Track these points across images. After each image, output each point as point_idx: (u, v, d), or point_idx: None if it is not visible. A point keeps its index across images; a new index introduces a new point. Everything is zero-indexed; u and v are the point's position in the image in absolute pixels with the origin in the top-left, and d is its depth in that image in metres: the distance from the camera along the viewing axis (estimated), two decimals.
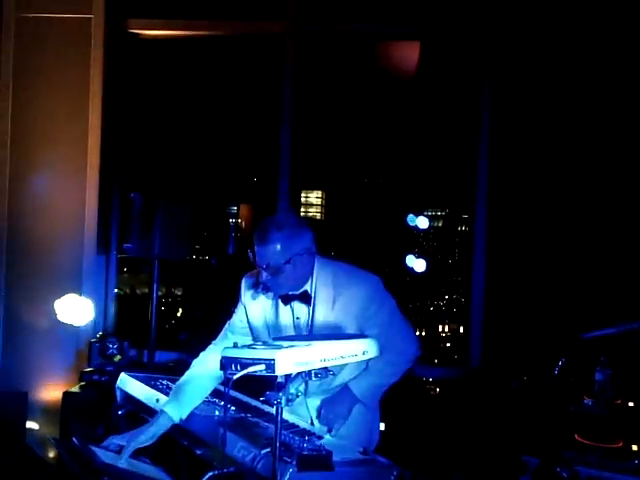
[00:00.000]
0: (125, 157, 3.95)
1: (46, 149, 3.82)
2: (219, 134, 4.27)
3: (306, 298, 2.13)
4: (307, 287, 2.13)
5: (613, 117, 3.34)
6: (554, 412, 2.28)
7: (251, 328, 2.24)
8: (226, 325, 2.31)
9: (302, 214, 4.47)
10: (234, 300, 2.32)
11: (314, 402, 2.25)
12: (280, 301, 2.16)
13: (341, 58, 4.05)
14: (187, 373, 2.22)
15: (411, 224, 4.16)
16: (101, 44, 3.78)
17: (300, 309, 2.16)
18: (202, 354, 2.27)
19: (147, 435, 2.04)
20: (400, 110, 4.07)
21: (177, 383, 2.19)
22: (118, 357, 3.39)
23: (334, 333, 2.05)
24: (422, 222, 4.19)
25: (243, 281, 2.27)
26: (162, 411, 2.10)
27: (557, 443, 2.04)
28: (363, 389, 2.20)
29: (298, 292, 2.13)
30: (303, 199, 4.54)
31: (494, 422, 2.83)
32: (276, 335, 2.14)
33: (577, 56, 3.41)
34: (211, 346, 2.29)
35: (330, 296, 2.12)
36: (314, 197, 4.61)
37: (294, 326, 2.17)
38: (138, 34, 3.98)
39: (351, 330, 2.12)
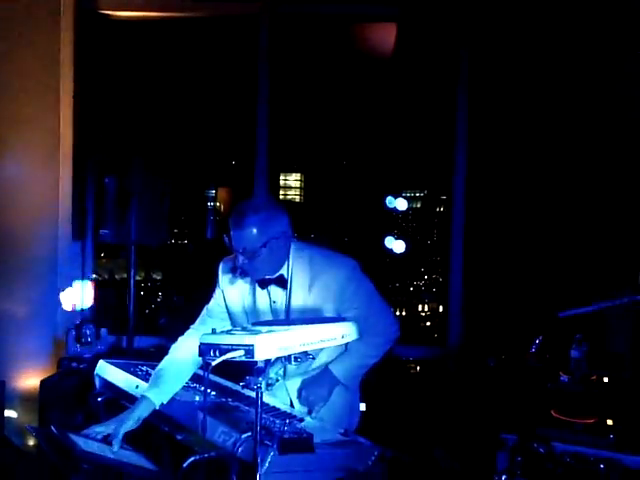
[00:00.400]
0: (99, 141, 3.88)
1: (17, 135, 3.74)
2: (196, 117, 4.21)
3: (282, 282, 2.13)
4: (283, 271, 2.14)
5: (591, 96, 3.36)
6: (531, 389, 2.32)
7: (229, 313, 2.24)
8: (204, 310, 2.31)
9: (281, 197, 4.45)
10: (213, 284, 2.32)
11: (293, 384, 2.25)
12: (257, 285, 2.16)
13: (317, 39, 4.01)
14: (166, 358, 2.22)
15: (390, 206, 4.17)
16: (71, 25, 3.70)
17: (277, 293, 2.16)
18: (180, 339, 2.27)
19: (133, 419, 2.05)
20: (377, 91, 4.05)
21: (157, 368, 2.19)
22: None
23: (313, 317, 2.05)
24: (401, 203, 4.20)
25: (220, 266, 2.26)
26: (143, 396, 2.10)
27: (534, 420, 2.07)
28: (343, 371, 2.21)
29: (274, 276, 2.13)
30: (282, 182, 4.52)
31: (473, 400, 2.87)
32: (254, 320, 2.14)
33: (556, 37, 3.41)
34: (190, 331, 2.28)
35: (307, 280, 2.13)
36: (293, 180, 4.60)
37: (271, 310, 2.18)
38: (109, 15, 3.89)
39: (329, 314, 2.13)
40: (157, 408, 2.09)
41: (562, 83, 3.42)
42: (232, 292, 2.21)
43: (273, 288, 2.15)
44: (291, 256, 2.13)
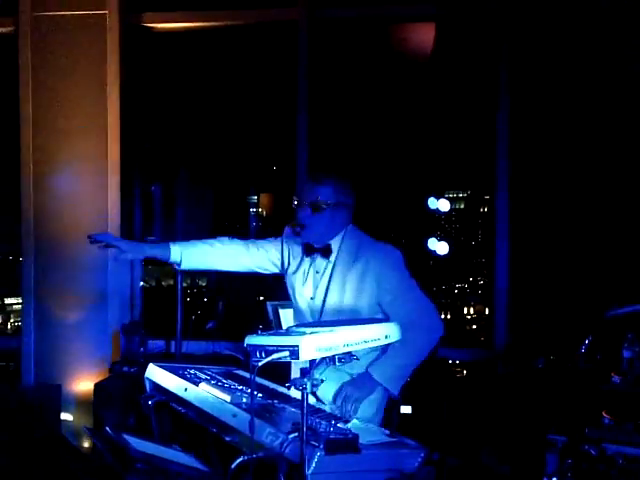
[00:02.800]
0: (145, 150, 3.98)
1: (67, 146, 3.87)
2: (237, 124, 4.27)
3: (327, 252, 2.23)
4: (334, 243, 2.24)
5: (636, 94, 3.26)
6: (581, 390, 2.26)
7: (284, 267, 2.36)
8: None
9: None
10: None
11: (327, 387, 2.25)
12: (303, 254, 2.27)
13: (356, 42, 4.02)
14: (208, 240, 2.34)
15: (432, 207, 4.13)
16: (117, 39, 3.81)
17: (320, 264, 2.26)
18: (228, 239, 2.36)
19: (145, 253, 2.25)
20: (417, 92, 4.03)
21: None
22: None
23: (356, 318, 2.06)
24: (443, 205, 4.16)
25: (286, 228, 2.38)
26: (167, 244, 2.24)
27: (585, 421, 2.03)
28: (384, 373, 2.20)
29: (322, 245, 2.24)
30: None
31: (521, 402, 2.82)
32: (297, 284, 2.29)
33: (597, 34, 3.33)
34: (237, 241, 2.36)
35: (351, 257, 2.22)
36: None
37: (313, 280, 2.27)
38: (152, 27, 3.99)
39: (366, 295, 2.20)
40: (169, 261, 2.23)
41: (608, 79, 3.34)
42: (288, 246, 2.34)
43: (318, 259, 2.26)
44: (343, 233, 2.25)
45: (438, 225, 4.40)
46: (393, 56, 3.97)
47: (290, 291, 2.39)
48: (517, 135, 3.58)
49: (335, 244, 2.26)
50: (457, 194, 4.44)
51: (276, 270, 2.43)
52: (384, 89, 4.05)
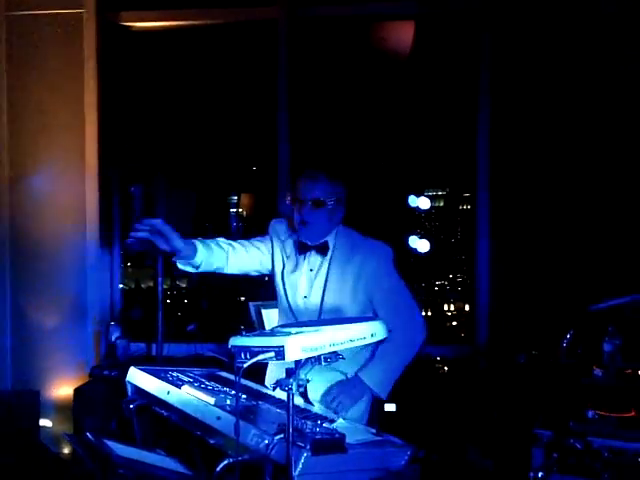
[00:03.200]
0: (123, 150, 3.94)
1: (44, 147, 3.83)
2: (217, 124, 4.24)
3: (324, 249, 2.24)
4: (329, 240, 2.25)
5: (620, 86, 3.30)
6: (564, 384, 2.28)
7: (273, 266, 2.33)
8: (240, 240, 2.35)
9: None
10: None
11: (318, 387, 2.24)
12: (297, 252, 2.26)
13: (335, 41, 4.01)
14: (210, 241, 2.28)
15: (412, 205, 4.15)
16: (93, 38, 3.77)
17: (315, 262, 2.26)
18: (221, 239, 2.31)
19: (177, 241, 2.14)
20: (398, 91, 4.04)
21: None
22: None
23: (341, 317, 2.05)
24: (423, 202, 4.18)
25: (272, 223, 2.38)
26: (195, 244, 2.18)
27: (569, 415, 2.05)
28: (374, 377, 2.20)
29: (319, 242, 2.24)
30: None
31: (504, 397, 2.84)
32: (290, 285, 2.27)
33: (579, 32, 3.37)
34: (223, 240, 2.31)
35: (346, 254, 2.23)
36: None
37: (307, 278, 2.26)
38: (130, 26, 3.95)
39: (362, 294, 2.21)
40: (191, 261, 2.16)
41: (589, 75, 3.37)
42: (277, 250, 2.32)
43: (312, 256, 2.25)
44: (336, 230, 2.27)
45: (418, 223, 4.42)
46: (374, 54, 3.98)
47: (280, 291, 2.34)
48: (497, 133, 3.61)
49: (331, 241, 2.26)
50: (436, 192, 4.47)
51: (265, 271, 2.38)
52: (365, 88, 4.05)
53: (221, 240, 2.30)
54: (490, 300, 3.57)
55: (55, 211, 3.81)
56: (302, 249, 2.26)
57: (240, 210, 4.46)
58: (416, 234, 4.12)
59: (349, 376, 2.25)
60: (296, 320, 2.29)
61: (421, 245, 4.02)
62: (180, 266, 2.24)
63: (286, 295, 2.32)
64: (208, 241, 2.26)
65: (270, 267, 2.36)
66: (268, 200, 4.08)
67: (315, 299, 2.26)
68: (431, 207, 4.24)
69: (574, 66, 3.41)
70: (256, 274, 2.40)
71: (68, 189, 3.80)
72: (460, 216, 4.41)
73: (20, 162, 3.84)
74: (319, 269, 2.25)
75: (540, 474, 1.87)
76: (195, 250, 2.18)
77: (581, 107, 3.41)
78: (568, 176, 3.43)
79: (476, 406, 3.02)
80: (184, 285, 4.58)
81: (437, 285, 4.67)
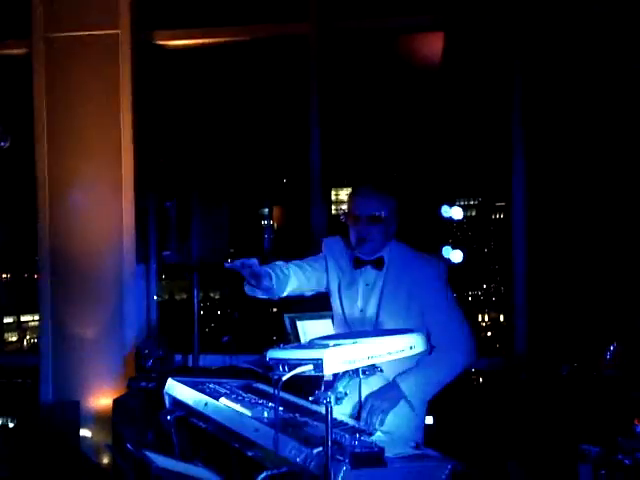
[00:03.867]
0: (159, 166, 4.01)
1: (82, 165, 3.91)
2: (249, 138, 4.29)
3: (380, 264, 2.28)
4: (384, 254, 2.29)
5: None
6: (611, 398, 2.22)
7: (328, 282, 2.39)
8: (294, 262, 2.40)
9: (333, 212, 4.47)
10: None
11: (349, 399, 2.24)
12: (352, 267, 2.31)
13: (366, 54, 4.03)
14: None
15: (445, 215, 4.12)
16: (128, 58, 3.85)
17: (370, 276, 2.29)
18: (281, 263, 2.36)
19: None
20: (430, 101, 4.03)
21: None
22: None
23: (381, 330, 2.05)
24: (456, 212, 4.15)
25: (326, 241, 2.45)
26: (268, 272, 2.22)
27: (617, 430, 1.99)
28: (411, 386, 2.19)
29: (374, 257, 2.28)
30: (333, 197, 4.53)
31: (546, 411, 2.78)
32: (345, 298, 2.31)
33: (610, 37, 3.32)
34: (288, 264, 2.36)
35: (401, 269, 2.26)
36: (344, 194, 4.61)
37: (363, 292, 2.30)
38: (164, 45, 4.03)
39: (414, 308, 2.23)
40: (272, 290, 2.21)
41: (625, 84, 3.31)
42: (332, 261, 2.38)
43: (368, 270, 2.29)
44: (391, 245, 2.31)
45: (451, 233, 4.38)
46: (404, 66, 3.98)
47: (337, 305, 2.39)
48: (532, 143, 3.57)
49: (385, 255, 2.30)
50: (468, 202, 4.43)
51: (321, 289, 2.44)
52: (396, 99, 4.05)
53: (281, 264, 2.36)
54: (528, 310, 3.50)
55: (93, 227, 3.89)
56: (357, 264, 2.31)
57: (271, 222, 4.49)
58: (449, 244, 4.09)
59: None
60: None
61: (454, 256, 3.98)
62: (248, 292, 2.30)
63: (343, 309, 2.36)
64: (275, 268, 2.31)
65: (325, 284, 2.41)
66: (299, 212, 4.10)
67: (371, 313, 2.30)
68: (463, 217, 4.21)
69: (609, 71, 3.35)
70: (312, 293, 2.46)
71: (105, 205, 3.88)
72: (493, 225, 4.36)
73: (59, 180, 3.93)
74: (375, 283, 2.30)
75: None
76: (271, 280, 2.25)
77: (621, 114, 3.34)
78: (608, 184, 3.36)
79: (516, 420, 2.97)
80: (217, 297, 4.63)
81: (470, 295, 4.62)
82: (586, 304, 3.27)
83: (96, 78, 3.88)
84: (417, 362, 2.20)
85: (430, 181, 4.21)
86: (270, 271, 2.24)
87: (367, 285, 2.30)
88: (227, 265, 2.20)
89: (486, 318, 4.58)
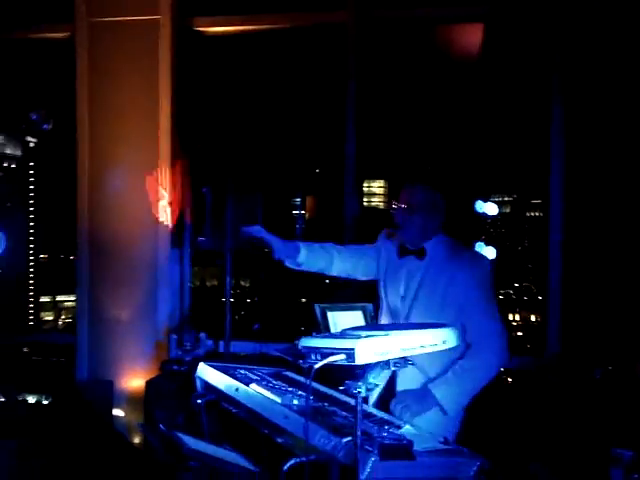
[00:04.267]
0: (195, 152, 4.04)
1: (121, 148, 3.96)
2: (284, 126, 4.30)
3: (421, 254, 2.35)
4: (426, 246, 2.37)
5: None
6: None
7: (378, 270, 2.50)
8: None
9: (365, 204, 4.45)
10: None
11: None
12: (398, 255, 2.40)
13: (403, 44, 3.99)
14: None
15: (479, 211, 4.07)
16: (169, 43, 3.88)
17: (412, 265, 2.37)
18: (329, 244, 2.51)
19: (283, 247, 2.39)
20: (467, 94, 3.97)
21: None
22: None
23: (414, 323, 2.04)
24: (491, 208, 4.10)
25: (383, 232, 2.58)
26: (298, 246, 2.42)
27: None
28: (446, 395, 2.20)
29: (417, 247, 2.36)
30: (365, 189, 4.52)
31: (577, 413, 2.74)
32: (389, 284, 2.41)
33: None
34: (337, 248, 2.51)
35: (443, 262, 2.32)
36: (377, 186, 4.59)
37: (404, 279, 2.38)
38: (204, 32, 4.05)
39: (452, 303, 2.26)
40: (296, 261, 2.40)
41: None
42: (383, 255, 2.49)
43: (411, 261, 2.37)
44: (436, 238, 2.37)
45: (483, 229, 4.34)
46: (442, 57, 3.93)
47: (382, 292, 2.50)
48: (572, 139, 3.49)
49: (428, 247, 2.36)
50: (502, 198, 4.37)
51: (371, 276, 2.55)
52: (432, 91, 4.01)
53: (329, 244, 2.50)
54: (562, 311, 3.44)
55: (131, 211, 3.94)
56: (402, 253, 2.40)
57: (303, 212, 4.49)
58: (482, 241, 4.04)
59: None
60: (393, 321, 2.39)
61: (487, 253, 3.94)
62: (287, 264, 2.45)
63: (386, 295, 2.46)
64: (314, 244, 2.48)
65: (375, 272, 2.52)
66: (331, 203, 4.10)
67: (408, 300, 2.36)
68: (498, 213, 4.16)
69: None
70: (364, 278, 2.57)
71: (143, 189, 3.91)
72: (528, 223, 4.30)
73: (99, 162, 4.00)
74: (415, 273, 2.36)
75: None
76: (298, 251, 2.39)
77: None
78: None
79: (546, 421, 2.93)
80: (246, 284, 4.66)
81: (502, 294, 4.56)
82: (623, 307, 3.20)
83: (137, 63, 3.92)
84: (452, 368, 2.20)
85: (465, 176, 4.16)
86: (300, 245, 2.41)
87: (409, 274, 2.37)
88: (245, 229, 2.42)
89: (517, 317, 4.53)
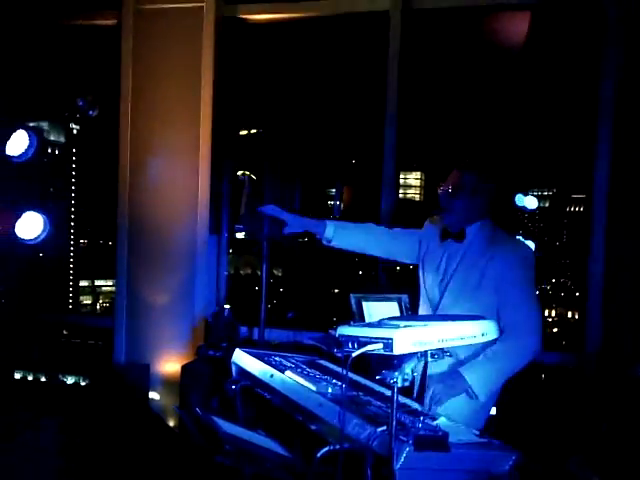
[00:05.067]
0: (235, 139, 4.06)
1: (162, 135, 4.00)
2: (326, 115, 4.29)
3: (460, 236, 2.34)
4: (467, 229, 2.35)
5: None
6: None
7: (419, 249, 2.51)
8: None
9: (401, 195, 4.42)
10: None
11: None
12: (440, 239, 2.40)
13: (447, 33, 3.93)
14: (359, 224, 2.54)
15: (519, 204, 4.00)
16: (212, 31, 3.89)
17: (452, 248, 2.36)
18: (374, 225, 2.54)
19: (301, 224, 2.46)
20: (508, 85, 3.90)
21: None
22: None
23: (453, 315, 2.02)
24: (531, 202, 4.02)
25: (428, 219, 2.58)
26: (324, 221, 2.45)
27: None
28: (479, 379, 2.17)
29: (457, 230, 2.35)
30: (402, 180, 4.48)
31: (616, 410, 2.68)
32: (426, 270, 2.41)
33: None
34: (381, 229, 2.55)
35: (483, 247, 2.30)
36: (413, 178, 4.55)
37: (444, 262, 2.37)
38: (246, 19, 4.06)
39: (486, 289, 2.24)
40: (322, 237, 2.43)
41: None
42: (424, 239, 2.50)
43: (451, 243, 2.36)
44: (480, 223, 2.36)
45: (522, 224, 4.27)
46: (484, 47, 3.85)
47: (421, 275, 2.49)
48: (619, 135, 3.38)
49: (470, 230, 2.34)
50: (542, 192, 4.29)
51: (412, 260, 2.56)
52: (474, 82, 3.94)
53: (367, 224, 2.53)
54: (603, 307, 3.36)
55: (170, 196, 3.99)
56: (444, 236, 2.39)
57: (338, 203, 4.48)
58: (520, 235, 3.97)
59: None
60: (430, 306, 2.38)
61: None
62: (322, 242, 2.48)
63: (424, 281, 2.45)
64: (350, 223, 2.50)
65: (416, 256, 2.52)
66: (367, 193, 4.08)
67: (445, 282, 2.36)
68: (537, 207, 4.09)
69: None
70: (405, 260, 2.58)
71: (182, 176, 3.96)
72: (567, 218, 4.21)
73: (140, 149, 4.05)
74: (454, 255, 2.35)
75: None
76: (324, 227, 2.42)
77: None
78: None
79: (584, 417, 2.87)
80: (279, 274, 4.69)
81: (539, 289, 4.48)
82: None
83: (180, 50, 3.94)
84: (484, 352, 2.16)
85: (506, 168, 4.08)
86: (328, 222, 2.44)
87: (449, 257, 2.36)
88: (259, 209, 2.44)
89: (552, 313, 4.45)
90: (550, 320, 4.51)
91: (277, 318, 4.12)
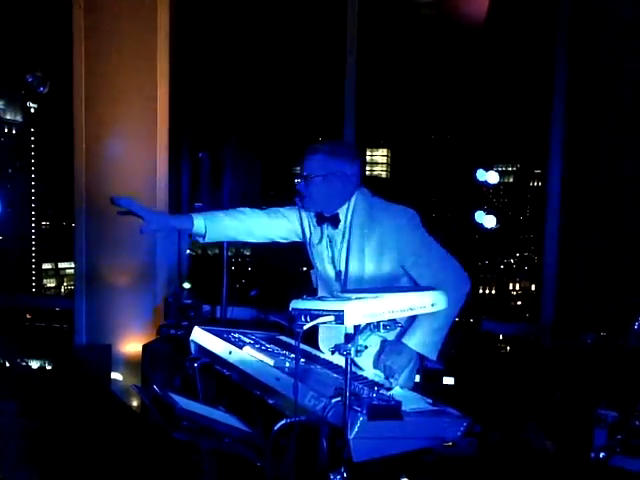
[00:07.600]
0: (193, 117, 4.01)
1: (118, 111, 3.93)
2: (284, 94, 4.26)
3: (335, 221, 2.26)
4: (341, 212, 2.26)
5: None
6: (634, 367, 2.19)
7: (304, 235, 2.38)
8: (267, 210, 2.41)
9: (367, 172, 4.43)
10: (299, 259, 2.42)
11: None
12: (316, 223, 2.31)
13: (406, 10, 3.92)
14: (230, 211, 2.35)
15: (481, 179, 4.04)
16: (167, 2, 3.82)
17: (333, 233, 2.29)
18: (249, 210, 2.37)
19: (166, 224, 2.28)
20: (469, 62, 3.92)
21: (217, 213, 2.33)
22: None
23: (403, 286, 2.04)
24: (492, 177, 4.06)
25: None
26: (189, 215, 2.27)
27: (636, 398, 1.97)
28: (417, 341, 2.18)
29: (329, 215, 2.26)
30: (368, 157, 4.50)
31: (568, 378, 2.77)
32: (316, 253, 2.33)
33: None
34: (255, 211, 2.38)
35: (365, 224, 2.22)
36: (379, 155, 4.57)
37: (330, 249, 2.30)
38: None
39: (388, 262, 2.20)
40: (192, 233, 2.26)
41: None
42: (305, 219, 2.36)
43: (328, 228, 2.28)
44: (353, 201, 2.25)
45: (486, 198, 4.32)
46: (445, 25, 3.86)
47: (312, 260, 2.41)
48: (573, 110, 3.44)
49: (342, 213, 2.26)
50: (506, 167, 4.35)
51: (297, 239, 2.43)
52: (434, 57, 3.95)
53: (240, 210, 2.35)
54: (558, 279, 3.45)
55: (127, 175, 3.93)
56: (320, 220, 2.30)
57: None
58: (483, 209, 4.02)
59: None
60: (329, 288, 2.33)
61: (488, 221, 3.92)
62: (198, 240, 2.32)
63: (315, 264, 2.39)
64: (219, 212, 2.31)
65: (300, 235, 2.40)
66: None
67: (339, 268, 2.29)
68: (500, 183, 4.13)
69: None
70: (283, 241, 2.44)
71: (140, 154, 3.92)
72: (530, 193, 4.28)
73: (95, 127, 3.98)
74: (335, 240, 2.29)
75: (602, 454, 1.82)
76: (190, 222, 2.25)
77: None
78: None
79: (538, 385, 2.96)
80: (248, 253, 4.68)
81: (503, 263, 4.57)
82: (617, 276, 3.20)
83: (134, 24, 3.86)
84: (418, 316, 2.14)
85: (467, 144, 4.12)
86: (194, 214, 2.26)
87: (331, 242, 2.29)
88: (115, 199, 2.21)
89: (517, 287, 4.54)
90: (514, 293, 4.61)
91: (244, 297, 4.12)
